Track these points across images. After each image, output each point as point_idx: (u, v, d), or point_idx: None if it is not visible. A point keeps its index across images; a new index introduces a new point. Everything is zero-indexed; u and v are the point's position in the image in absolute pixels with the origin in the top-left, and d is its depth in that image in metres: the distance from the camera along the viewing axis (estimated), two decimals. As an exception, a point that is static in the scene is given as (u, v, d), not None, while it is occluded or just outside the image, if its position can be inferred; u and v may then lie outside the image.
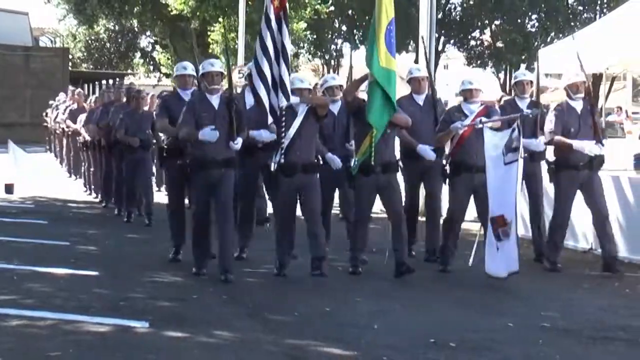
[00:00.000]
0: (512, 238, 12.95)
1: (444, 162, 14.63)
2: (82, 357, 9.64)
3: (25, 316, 11.22)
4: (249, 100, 14.70)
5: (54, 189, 26.58)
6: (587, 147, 14.18)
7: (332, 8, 44.77)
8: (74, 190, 26.95)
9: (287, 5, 14.09)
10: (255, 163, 14.80)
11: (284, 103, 13.66)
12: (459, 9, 63.72)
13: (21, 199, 24.32)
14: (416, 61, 15.77)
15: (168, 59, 54.54)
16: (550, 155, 15.29)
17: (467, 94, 14.42)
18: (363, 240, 14.34)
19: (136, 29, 64.43)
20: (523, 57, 59.87)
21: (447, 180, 14.64)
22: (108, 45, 71.58)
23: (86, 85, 31.12)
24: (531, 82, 15.69)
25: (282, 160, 13.61)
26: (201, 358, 9.60)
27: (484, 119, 13.69)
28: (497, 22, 65.74)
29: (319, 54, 66.61)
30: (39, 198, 24.61)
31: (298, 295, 12.38)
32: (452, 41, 66.97)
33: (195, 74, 15.11)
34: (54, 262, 14.66)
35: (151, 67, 67.77)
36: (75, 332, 10.62)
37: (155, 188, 23.50)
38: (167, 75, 51.83)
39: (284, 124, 13.64)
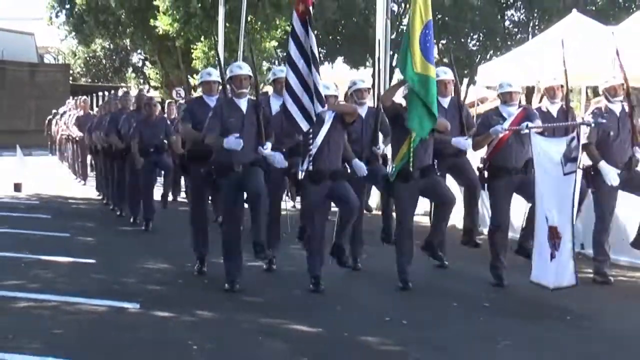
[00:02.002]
0: (565, 251, 10.80)
1: (481, 165, 12.63)
2: (81, 334, 9.64)
3: (31, 298, 11.23)
4: (275, 106, 12.98)
5: (56, 188, 26.48)
6: (609, 176, 12.33)
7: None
8: (74, 188, 26.86)
9: (311, 9, 11.70)
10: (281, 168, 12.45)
11: (319, 109, 11.62)
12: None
13: (28, 196, 24.23)
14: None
15: (156, 73, 54.55)
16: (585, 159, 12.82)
17: (507, 97, 12.48)
18: (410, 250, 12.09)
19: (128, 47, 64.28)
20: (466, 72, 59.92)
21: (486, 186, 12.61)
22: (104, 61, 71.45)
23: (85, 97, 31.26)
24: (562, 86, 13.60)
25: (311, 168, 11.83)
26: (185, 334, 9.58)
27: (530, 124, 11.84)
28: (443, 42, 65.76)
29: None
30: (43, 195, 24.53)
31: (270, 280, 12.39)
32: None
33: (220, 80, 13.22)
34: (56, 252, 14.64)
35: (141, 81, 67.85)
36: (76, 313, 10.64)
37: (170, 197, 20.82)
38: (156, 88, 51.69)
39: (311, 131, 11.78)
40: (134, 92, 34.53)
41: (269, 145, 11.84)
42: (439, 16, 58.94)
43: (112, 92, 42.97)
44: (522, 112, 12.35)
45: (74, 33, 54.95)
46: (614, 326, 10.29)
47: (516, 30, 64.69)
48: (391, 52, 20.26)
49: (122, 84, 67.96)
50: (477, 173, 12.73)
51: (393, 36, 47.42)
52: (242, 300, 11.35)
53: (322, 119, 11.78)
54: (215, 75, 13.46)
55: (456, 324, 10.21)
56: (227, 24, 36.29)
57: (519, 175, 12.23)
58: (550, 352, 9.12)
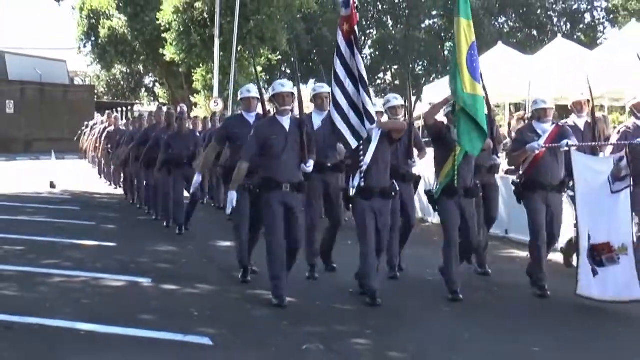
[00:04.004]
0: (624, 264, 9.37)
1: (516, 181, 10.78)
2: (104, 303, 9.67)
3: (64, 275, 11.24)
4: (317, 121, 11.06)
5: (84, 185, 26.38)
6: None
7: (280, 57, 44.63)
8: (99, 186, 26.74)
9: (356, 28, 10.06)
10: (322, 180, 11.06)
11: (368, 126, 9.79)
12: (369, 57, 63.93)
13: (61, 192, 24.10)
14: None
15: (164, 92, 54.76)
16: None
17: (541, 113, 10.59)
18: (457, 262, 10.22)
19: (142, 72, 64.13)
20: (414, 91, 60.15)
21: (521, 200, 10.71)
22: (122, 83, 71.00)
23: (117, 113, 31.58)
24: (588, 101, 11.72)
25: (362, 184, 9.92)
26: (188, 303, 9.61)
27: (570, 142, 10.17)
28: (395, 67, 65.92)
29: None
30: (73, 191, 24.42)
31: (255, 259, 12.42)
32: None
33: (259, 96, 11.53)
34: (84, 237, 14.60)
35: (152, 98, 67.83)
36: (100, 286, 10.64)
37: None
38: (164, 104, 51.56)
39: (361, 148, 9.94)
40: (146, 108, 34.12)
41: (311, 163, 9.90)
42: (391, 47, 59.14)
43: (129, 108, 42.73)
44: (556, 128, 10.60)
45: (98, 60, 55.06)
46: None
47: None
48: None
49: (137, 101, 67.83)
50: (514, 187, 10.85)
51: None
52: (233, 276, 11.31)
53: (369, 136, 9.96)
54: (254, 91, 11.53)
55: (402, 296, 10.22)
56: (222, 53, 36.36)
57: (553, 192, 10.50)
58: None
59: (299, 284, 10.10)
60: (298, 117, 10.12)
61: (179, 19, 40.08)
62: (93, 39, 52.72)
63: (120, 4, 47.48)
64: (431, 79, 58.65)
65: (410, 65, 60.30)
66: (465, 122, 9.76)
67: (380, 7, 66.87)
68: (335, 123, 9.92)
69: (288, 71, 63.43)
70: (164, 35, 41.12)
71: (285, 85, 10.08)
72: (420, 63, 65.61)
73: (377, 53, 65.42)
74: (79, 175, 29.94)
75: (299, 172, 9.84)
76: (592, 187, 9.79)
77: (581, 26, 67.40)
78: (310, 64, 60.61)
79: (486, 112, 10.79)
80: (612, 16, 64.91)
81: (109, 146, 25.16)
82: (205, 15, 39.58)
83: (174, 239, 14.77)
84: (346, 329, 8.48)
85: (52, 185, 25.04)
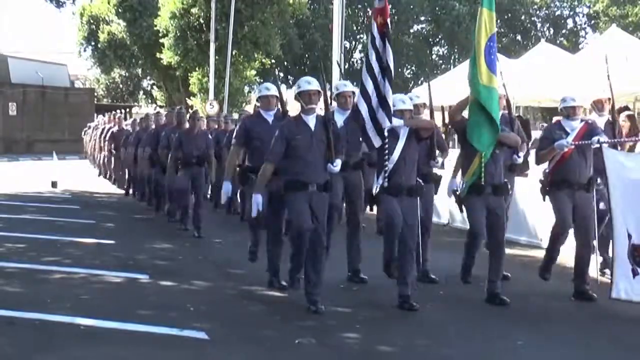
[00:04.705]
0: None
1: (542, 179, 10.20)
2: (103, 299, 9.64)
3: (64, 271, 11.20)
4: (339, 120, 10.14)
5: (84, 185, 26.33)
6: None
7: (273, 61, 44.74)
8: (99, 185, 26.68)
9: (389, 23, 9.41)
10: (343, 177, 10.22)
11: (387, 124, 9.16)
12: (360, 61, 63.88)
13: (62, 191, 24.08)
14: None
15: (162, 95, 54.82)
16: None
17: (570, 111, 10.07)
18: (473, 261, 9.91)
19: (140, 75, 64.09)
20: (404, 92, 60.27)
21: (546, 197, 10.12)
22: (121, 86, 70.91)
23: (107, 113, 31.53)
24: (609, 99, 11.28)
25: (386, 184, 9.18)
26: (184, 298, 9.58)
27: (601, 139, 9.59)
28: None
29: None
30: (74, 191, 24.37)
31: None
32: (354, 83, 67.25)
33: (278, 94, 10.77)
34: (84, 234, 14.59)
35: (149, 101, 67.78)
36: (99, 282, 10.63)
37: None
38: (161, 107, 51.55)
39: (387, 146, 9.20)
40: (144, 110, 34.00)
41: (338, 162, 9.13)
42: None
43: (127, 110, 42.64)
44: (585, 126, 10.02)
45: (97, 64, 55.38)
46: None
47: (441, 62, 65.05)
48: (346, 78, 20.03)
49: (135, 104, 67.84)
50: (540, 185, 10.18)
51: (346, 66, 47.52)
52: (228, 272, 11.33)
53: (397, 134, 9.22)
54: (273, 89, 10.70)
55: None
56: (217, 57, 36.39)
57: (580, 191, 9.87)
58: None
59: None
60: (323, 114, 9.35)
61: (176, 24, 40.21)
62: (93, 43, 53.02)
63: (119, 10, 47.62)
64: (419, 82, 58.74)
65: (400, 69, 60.33)
66: (477, 115, 9.29)
67: (370, 13, 66.85)
68: (362, 117, 9.26)
69: (281, 74, 63.50)
70: (161, 40, 41.26)
71: (311, 83, 9.32)
72: (409, 67, 65.73)
73: (367, 57, 65.54)
74: (79, 175, 29.90)
75: (325, 173, 9.13)
76: (626, 184, 9.16)
77: (564, 31, 67.72)
78: (303, 67, 60.65)
79: (505, 110, 10.81)
80: (593, 22, 65.16)
81: (113, 146, 24.99)
82: (201, 21, 39.73)
83: (171, 236, 14.73)
84: (337, 323, 8.47)
85: (54, 185, 25.00)
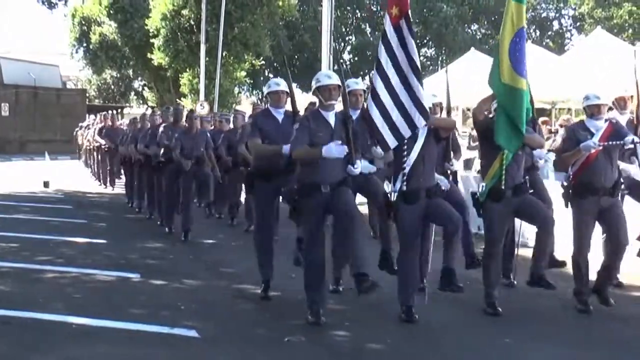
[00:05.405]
0: None
1: (565, 183, 9.33)
2: (95, 298, 9.62)
3: (57, 271, 11.19)
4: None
5: (77, 185, 26.28)
6: None
7: (262, 62, 44.77)
8: (91, 185, 26.62)
9: (409, 13, 8.41)
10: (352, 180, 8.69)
11: (422, 124, 8.33)
12: (349, 62, 63.88)
13: (55, 191, 24.02)
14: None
15: (153, 96, 54.79)
16: None
17: (594, 110, 9.12)
18: (497, 274, 9.19)
19: (131, 76, 63.98)
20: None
21: (568, 204, 9.21)
22: (112, 87, 70.74)
23: (113, 112, 31.59)
24: (632, 97, 10.59)
25: (405, 188, 8.46)
26: (175, 297, 9.59)
27: (636, 139, 8.94)
28: (373, 71, 66.09)
29: (255, 92, 66.55)
30: (66, 191, 24.32)
31: (241, 255, 12.39)
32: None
33: (288, 90, 9.87)
34: (76, 234, 14.56)
35: (141, 101, 67.71)
36: (91, 281, 10.62)
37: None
38: (153, 107, 51.47)
39: (404, 147, 8.47)
40: (135, 110, 33.88)
41: (359, 163, 8.38)
42: (369, 53, 59.15)
43: (119, 110, 42.54)
44: (610, 126, 9.16)
45: (89, 65, 55.39)
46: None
47: (429, 63, 65.02)
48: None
49: (127, 104, 67.77)
50: (562, 190, 9.38)
51: (335, 67, 47.53)
52: (219, 271, 11.34)
53: (415, 134, 8.48)
54: (283, 85, 9.90)
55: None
56: (207, 58, 36.38)
57: (606, 197, 9.01)
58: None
59: (281, 278, 10.07)
60: (343, 111, 8.52)
61: (167, 25, 40.18)
62: (84, 44, 52.96)
63: (111, 12, 47.48)
64: (370, 87, 58.71)
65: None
66: (503, 115, 8.52)
67: (358, 14, 66.92)
68: (373, 119, 8.47)
69: (271, 75, 63.49)
70: (152, 41, 41.21)
71: (332, 77, 8.56)
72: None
73: (357, 58, 65.46)
74: (71, 175, 29.83)
75: (343, 173, 8.36)
76: None
77: (549, 33, 67.88)
78: (293, 68, 60.64)
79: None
80: (578, 24, 65.27)
81: (105, 145, 24.75)
82: (192, 22, 39.70)
83: (162, 236, 14.72)
84: (327, 321, 8.46)
85: (46, 185, 24.94)
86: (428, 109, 8.51)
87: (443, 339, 8.09)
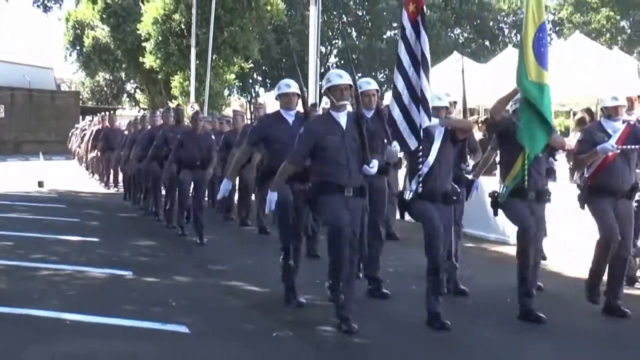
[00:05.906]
0: None
1: (582, 185, 8.91)
2: (88, 295, 9.60)
3: (51, 268, 11.15)
4: None
5: (70, 184, 26.20)
6: None
7: (251, 65, 44.75)
8: (84, 184, 26.57)
9: (424, 9, 8.29)
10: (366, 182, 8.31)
11: (426, 123, 8.06)
12: (334, 66, 63.96)
13: (49, 191, 23.96)
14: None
15: (145, 98, 54.67)
16: None
17: (612, 111, 8.73)
18: (535, 274, 8.58)
19: (123, 78, 63.91)
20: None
21: (585, 206, 8.79)
22: (105, 89, 70.64)
23: (92, 116, 31.36)
24: (639, 96, 10.25)
25: (420, 190, 8.08)
26: (166, 294, 9.56)
27: None
28: (358, 74, 65.98)
29: (244, 94, 66.50)
30: (60, 190, 24.25)
31: (230, 253, 12.38)
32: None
33: (300, 92, 9.29)
34: (70, 232, 14.50)
35: (133, 104, 67.64)
36: (84, 278, 10.57)
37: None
38: (144, 109, 51.42)
39: (420, 148, 8.12)
40: (127, 113, 33.78)
41: (375, 163, 7.98)
42: (355, 56, 59.18)
43: (112, 112, 42.42)
44: (627, 127, 8.75)
45: (83, 68, 55.35)
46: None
47: (413, 67, 65.15)
48: (320, 83, 19.90)
49: (119, 106, 67.69)
50: (579, 191, 8.95)
51: (322, 70, 47.56)
52: (209, 269, 11.32)
53: (432, 135, 8.15)
54: (295, 87, 9.29)
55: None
56: (198, 61, 36.35)
57: (622, 200, 8.70)
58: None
59: (269, 275, 10.06)
60: (356, 110, 8.14)
61: (158, 29, 40.12)
62: (78, 48, 52.94)
63: (104, 16, 47.40)
64: (392, 86, 58.83)
65: (374, 73, 60.41)
66: (528, 115, 8.13)
67: (345, 19, 66.94)
68: (394, 118, 8.20)
69: (260, 78, 63.50)
70: (144, 44, 41.12)
71: (343, 77, 8.10)
72: (382, 72, 65.82)
73: (342, 62, 65.55)
74: (65, 175, 29.75)
75: (360, 175, 8.03)
76: None
77: (530, 37, 67.97)
78: (280, 71, 60.61)
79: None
80: (558, 28, 65.49)
81: (102, 146, 24.58)
82: (183, 26, 39.64)
83: (154, 234, 14.70)
84: (313, 317, 8.47)
85: (40, 185, 24.87)
86: (445, 108, 8.40)
87: (428, 334, 8.09)
